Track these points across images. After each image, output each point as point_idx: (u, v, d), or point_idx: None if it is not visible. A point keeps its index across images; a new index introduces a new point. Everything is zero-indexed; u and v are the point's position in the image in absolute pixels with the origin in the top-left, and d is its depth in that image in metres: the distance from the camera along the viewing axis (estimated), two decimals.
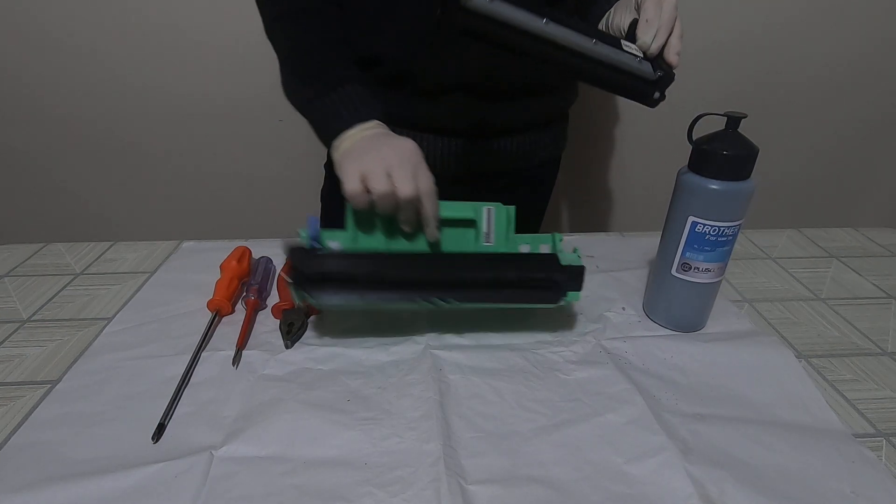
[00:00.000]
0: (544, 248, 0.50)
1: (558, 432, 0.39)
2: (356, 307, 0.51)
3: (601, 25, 0.57)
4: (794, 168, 1.24)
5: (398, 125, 0.66)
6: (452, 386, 0.44)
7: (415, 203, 0.45)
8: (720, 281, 0.49)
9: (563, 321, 0.52)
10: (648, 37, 0.49)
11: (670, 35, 0.49)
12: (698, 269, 0.47)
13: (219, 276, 0.54)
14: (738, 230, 0.46)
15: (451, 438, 0.39)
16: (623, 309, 0.54)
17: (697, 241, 0.46)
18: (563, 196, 1.24)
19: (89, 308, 0.54)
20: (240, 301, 0.54)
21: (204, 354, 0.47)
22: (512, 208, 0.50)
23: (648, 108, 0.52)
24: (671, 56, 0.50)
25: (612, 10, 0.55)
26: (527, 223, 0.74)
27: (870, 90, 1.16)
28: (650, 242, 0.63)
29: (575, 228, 1.21)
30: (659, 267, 0.50)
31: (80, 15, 0.98)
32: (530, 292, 0.47)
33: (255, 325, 0.50)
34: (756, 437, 0.39)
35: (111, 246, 0.65)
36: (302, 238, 0.46)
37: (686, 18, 1.02)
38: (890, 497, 0.35)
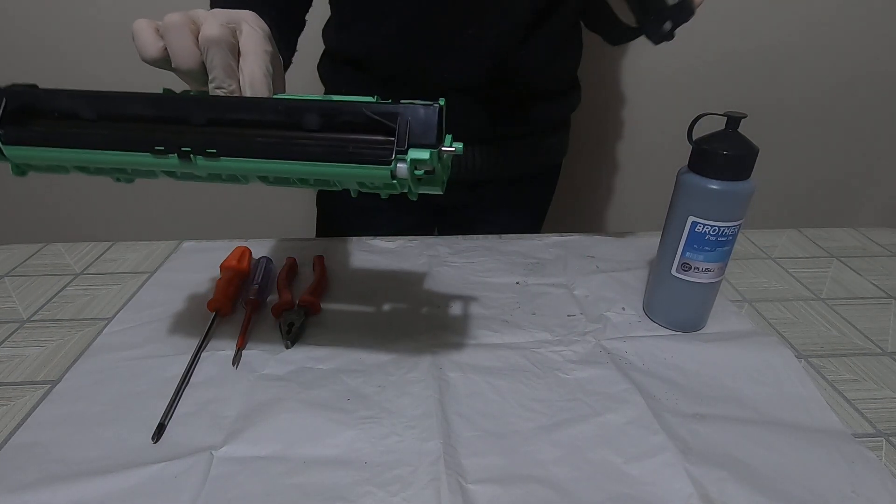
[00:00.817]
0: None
1: (558, 432, 0.39)
2: (67, 161, 0.33)
3: None
4: (794, 168, 1.24)
5: None
6: (452, 384, 0.44)
7: (228, 57, 0.34)
8: (720, 281, 0.49)
9: (564, 321, 0.52)
10: None
11: None
12: (698, 269, 0.47)
13: (219, 276, 0.54)
14: (738, 230, 0.46)
15: (451, 437, 0.39)
16: (623, 309, 0.54)
17: (697, 241, 0.46)
18: (563, 196, 1.24)
19: (89, 308, 0.54)
20: (240, 301, 0.54)
21: (204, 354, 0.47)
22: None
23: (651, 43, 0.46)
24: None
25: None
26: (526, 227, 0.74)
27: (870, 90, 1.16)
28: (650, 242, 0.63)
29: (575, 228, 1.21)
30: (659, 267, 0.50)
31: (80, 14, 0.98)
32: (336, 147, 0.30)
33: (255, 325, 0.50)
34: (756, 437, 0.39)
35: (111, 246, 0.65)
36: None
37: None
38: (890, 497, 0.35)
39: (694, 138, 0.45)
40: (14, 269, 0.61)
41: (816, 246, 0.68)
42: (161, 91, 0.35)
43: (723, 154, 0.43)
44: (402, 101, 0.31)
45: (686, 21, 0.44)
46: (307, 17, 0.60)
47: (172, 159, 0.31)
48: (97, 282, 0.58)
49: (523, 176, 0.72)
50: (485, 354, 0.47)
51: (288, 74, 0.59)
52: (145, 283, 0.58)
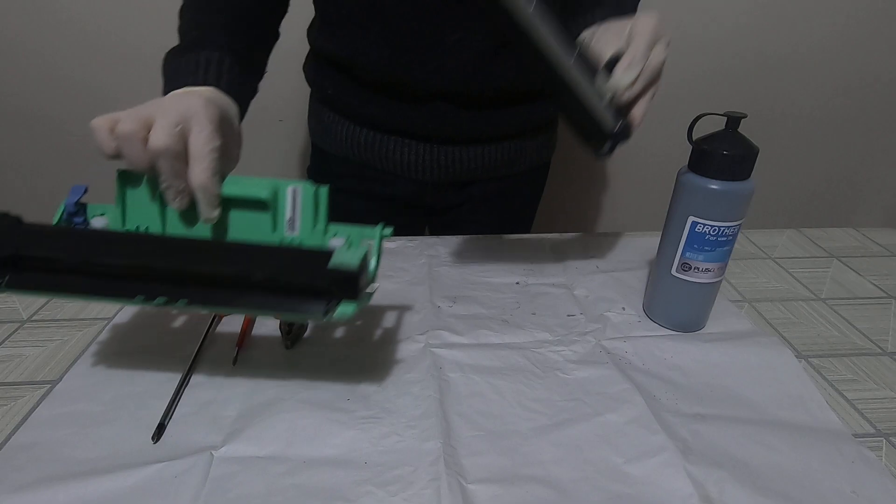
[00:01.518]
0: (365, 243, 0.40)
1: (558, 432, 0.39)
2: (59, 297, 0.42)
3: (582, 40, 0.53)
4: (794, 168, 1.25)
5: (384, 131, 0.66)
6: (452, 384, 0.44)
7: (176, 163, 0.36)
8: (720, 281, 0.49)
9: (564, 321, 0.52)
10: (626, 79, 0.42)
11: (646, 88, 0.44)
12: (698, 269, 0.47)
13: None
14: (738, 230, 0.46)
15: (451, 437, 0.39)
16: (623, 309, 0.54)
17: (697, 241, 0.46)
18: (562, 196, 1.24)
19: (89, 308, 0.54)
20: None
21: (204, 354, 0.47)
22: (324, 190, 0.40)
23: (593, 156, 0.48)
24: (638, 113, 0.45)
25: (599, 29, 0.48)
26: (515, 229, 0.74)
27: (870, 91, 1.16)
28: (650, 242, 0.63)
29: (575, 228, 1.21)
30: (659, 267, 0.50)
31: (80, 14, 0.98)
32: (285, 300, 0.35)
33: (255, 325, 0.50)
34: (756, 437, 0.39)
35: None
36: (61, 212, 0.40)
37: (686, 18, 1.03)
38: (890, 497, 0.35)
39: (694, 138, 0.45)
40: None
41: (816, 246, 0.68)
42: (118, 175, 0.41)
43: (723, 154, 0.43)
44: (329, 267, 0.35)
45: (626, 141, 0.46)
46: (294, 23, 0.60)
47: (149, 303, 0.36)
48: None
49: (511, 175, 0.72)
50: (485, 354, 0.47)
51: (274, 74, 0.59)
52: None
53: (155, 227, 0.41)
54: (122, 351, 0.47)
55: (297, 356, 0.47)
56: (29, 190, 1.19)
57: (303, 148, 1.13)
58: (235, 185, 0.39)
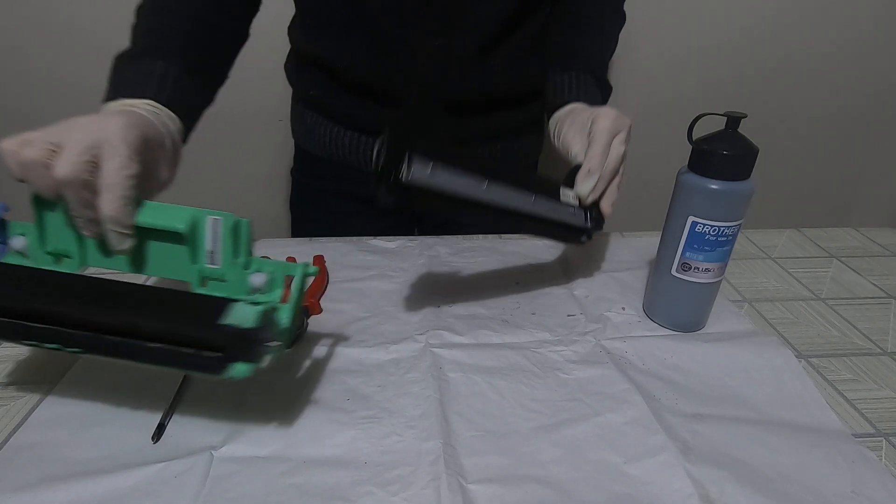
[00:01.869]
0: (287, 280, 0.39)
1: (558, 432, 0.39)
2: None
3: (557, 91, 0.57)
4: (794, 168, 1.25)
5: (368, 133, 0.66)
6: (452, 384, 0.44)
7: (84, 193, 0.35)
8: (720, 281, 0.49)
9: (564, 321, 0.52)
10: (586, 188, 0.48)
11: (609, 185, 0.49)
12: (698, 269, 0.47)
13: None
14: (738, 230, 0.46)
15: (451, 437, 0.39)
16: (623, 309, 0.54)
17: (697, 241, 0.46)
18: None
19: None
20: None
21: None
22: (245, 222, 0.38)
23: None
24: (606, 206, 0.49)
25: (566, 124, 0.53)
26: None
27: (870, 90, 1.16)
28: (650, 242, 0.63)
29: None
30: (659, 267, 0.50)
31: (80, 14, 0.98)
32: (180, 354, 0.34)
33: None
34: (756, 437, 0.39)
35: None
36: None
37: (686, 18, 1.03)
38: (890, 497, 0.35)
39: (694, 138, 0.45)
40: None
41: (816, 246, 0.68)
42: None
43: (723, 154, 0.43)
44: (222, 324, 0.33)
45: (601, 229, 0.51)
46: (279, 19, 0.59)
47: (42, 345, 0.35)
48: None
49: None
50: (485, 354, 0.47)
51: (272, 74, 0.59)
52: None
53: (73, 252, 0.40)
54: None
55: (297, 356, 0.47)
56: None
57: None
58: (152, 214, 0.37)
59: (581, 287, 0.57)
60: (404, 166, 0.40)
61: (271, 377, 0.44)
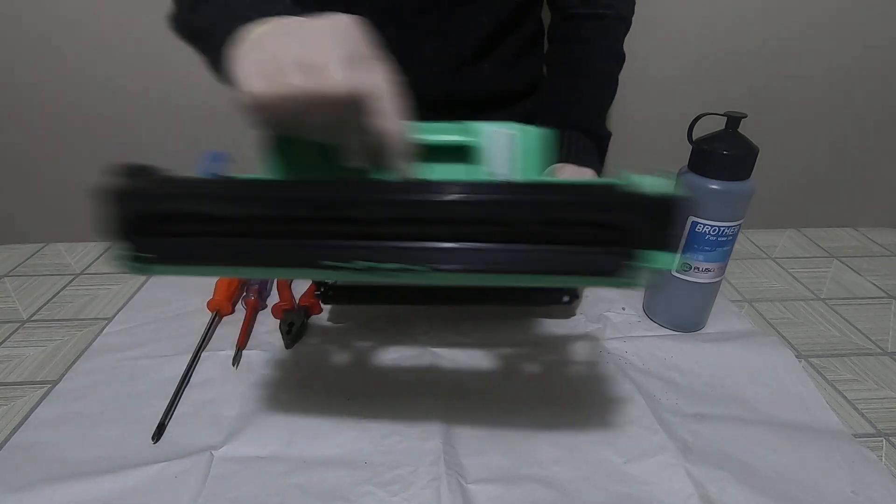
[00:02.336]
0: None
1: (558, 432, 0.39)
2: (224, 273, 0.30)
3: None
4: (794, 168, 1.24)
5: None
6: (453, 385, 0.44)
7: (357, 110, 0.26)
8: (720, 281, 0.49)
9: (564, 321, 0.52)
10: None
11: None
12: (698, 268, 0.47)
13: (219, 276, 0.54)
14: (738, 230, 0.46)
15: (451, 437, 0.39)
16: (623, 309, 0.54)
17: (697, 241, 0.46)
18: None
19: (89, 308, 0.54)
20: (240, 301, 0.53)
21: (204, 354, 0.47)
22: (544, 131, 0.31)
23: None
24: None
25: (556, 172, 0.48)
26: None
27: (870, 90, 1.16)
28: None
29: None
30: None
31: (79, 14, 0.98)
32: (569, 255, 0.24)
33: (255, 325, 0.50)
34: (756, 437, 0.39)
35: (111, 246, 0.65)
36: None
37: (686, 17, 1.02)
38: (890, 497, 0.35)
39: (694, 138, 0.45)
40: (14, 269, 0.61)
41: (816, 246, 0.68)
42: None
43: (723, 154, 0.43)
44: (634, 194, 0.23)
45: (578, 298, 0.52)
46: None
47: (362, 274, 0.25)
48: (97, 282, 0.58)
49: None
50: (485, 354, 0.47)
51: None
52: (145, 282, 0.57)
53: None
54: (122, 351, 0.47)
55: (297, 356, 0.47)
56: (24, 188, 1.19)
57: None
58: (427, 132, 0.29)
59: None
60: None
61: (272, 377, 0.44)
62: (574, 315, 0.52)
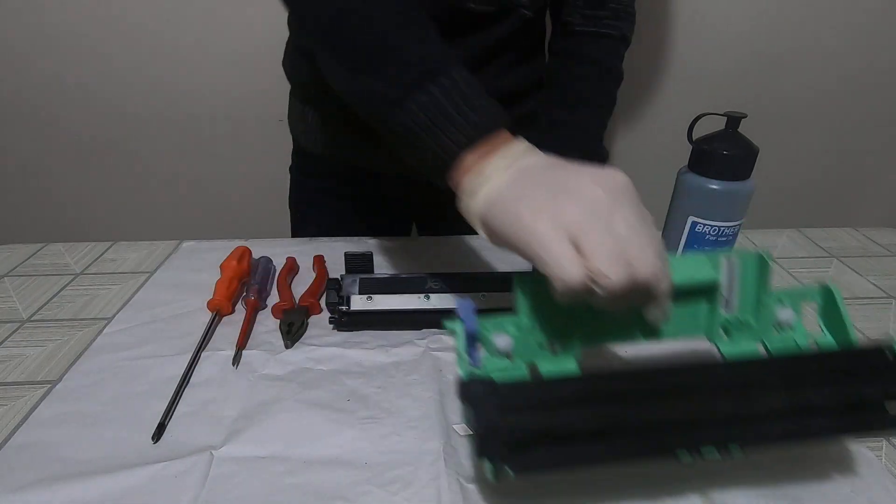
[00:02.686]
0: (807, 307, 0.35)
1: None
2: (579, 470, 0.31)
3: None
4: (794, 168, 1.24)
5: (366, 132, 0.65)
6: (453, 386, 0.44)
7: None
8: None
9: None
10: None
11: None
12: None
13: (219, 276, 0.54)
14: (738, 230, 0.46)
15: (452, 437, 0.39)
16: None
17: (697, 241, 0.46)
18: None
19: (89, 308, 0.54)
20: (240, 301, 0.54)
21: (204, 354, 0.47)
22: (768, 255, 0.33)
23: None
24: None
25: None
26: None
27: (870, 90, 1.16)
28: None
29: None
30: None
31: (79, 15, 0.98)
32: (848, 419, 0.29)
33: (255, 325, 0.50)
34: None
35: (111, 246, 0.65)
36: (448, 329, 0.33)
37: (686, 18, 1.02)
38: (889, 497, 0.35)
39: (694, 138, 0.45)
40: (14, 269, 0.61)
41: (816, 246, 0.68)
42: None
43: (723, 154, 0.43)
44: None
45: None
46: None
47: (684, 458, 0.28)
48: (97, 282, 0.58)
49: None
50: None
51: (272, 73, 0.58)
52: (145, 283, 0.57)
53: (572, 335, 0.33)
54: (122, 351, 0.47)
55: (297, 356, 0.47)
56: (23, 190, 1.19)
57: None
58: (674, 273, 0.30)
59: None
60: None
61: (272, 377, 0.44)
62: None
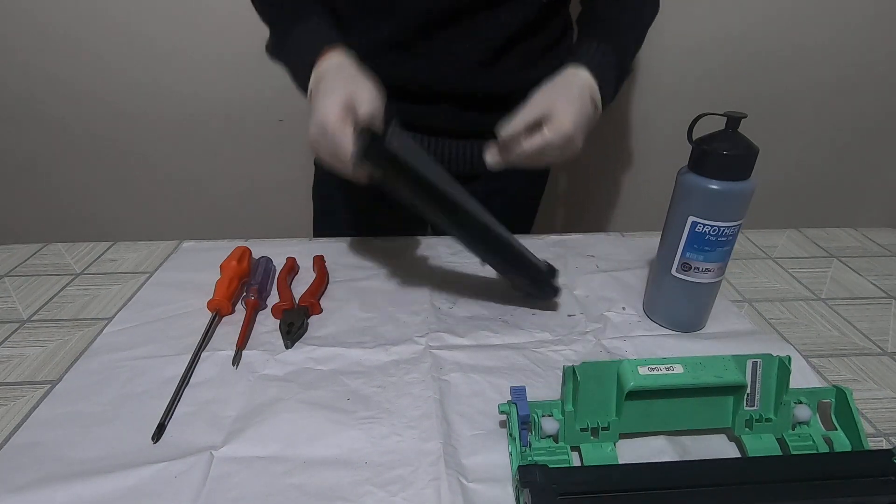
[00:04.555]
0: (824, 403, 0.39)
1: None
2: None
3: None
4: (794, 168, 1.24)
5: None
6: (453, 384, 0.44)
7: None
8: (720, 281, 0.49)
9: (564, 321, 0.52)
10: (504, 130, 0.49)
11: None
12: (698, 269, 0.47)
13: (219, 276, 0.54)
14: (738, 230, 0.46)
15: (452, 437, 0.39)
16: (623, 309, 0.54)
17: (697, 241, 0.46)
18: (562, 196, 1.24)
19: (89, 308, 0.54)
20: (240, 301, 0.54)
21: (204, 354, 0.47)
22: (788, 358, 0.37)
23: (543, 298, 0.55)
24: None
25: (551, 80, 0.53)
26: (516, 228, 0.74)
27: (870, 90, 1.16)
28: (650, 242, 0.63)
29: (575, 228, 1.21)
30: (659, 267, 0.50)
31: (80, 16, 0.98)
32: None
33: (255, 325, 0.50)
34: None
35: (111, 246, 0.65)
36: (502, 411, 0.38)
37: (686, 18, 1.03)
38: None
39: (694, 138, 0.45)
40: (14, 269, 0.61)
41: (816, 246, 0.68)
42: None
43: (723, 154, 0.43)
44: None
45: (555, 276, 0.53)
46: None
47: None
48: (97, 282, 0.58)
49: (514, 172, 0.72)
50: (485, 354, 0.47)
51: (274, 73, 0.59)
52: (145, 283, 0.58)
53: (610, 423, 0.37)
54: (122, 351, 0.47)
55: (297, 356, 0.47)
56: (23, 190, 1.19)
57: (303, 147, 1.13)
58: (700, 373, 0.36)
59: (581, 287, 0.57)
60: (389, 130, 0.44)
61: (272, 377, 0.44)
62: (575, 315, 0.53)
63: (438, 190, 0.44)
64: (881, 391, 0.45)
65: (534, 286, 0.53)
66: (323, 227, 0.78)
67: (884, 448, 0.35)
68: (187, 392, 0.43)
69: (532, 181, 0.77)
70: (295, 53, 0.52)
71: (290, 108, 1.05)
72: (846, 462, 0.34)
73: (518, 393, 0.37)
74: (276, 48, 0.55)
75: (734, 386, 0.37)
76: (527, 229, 0.80)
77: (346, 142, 0.43)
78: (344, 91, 0.45)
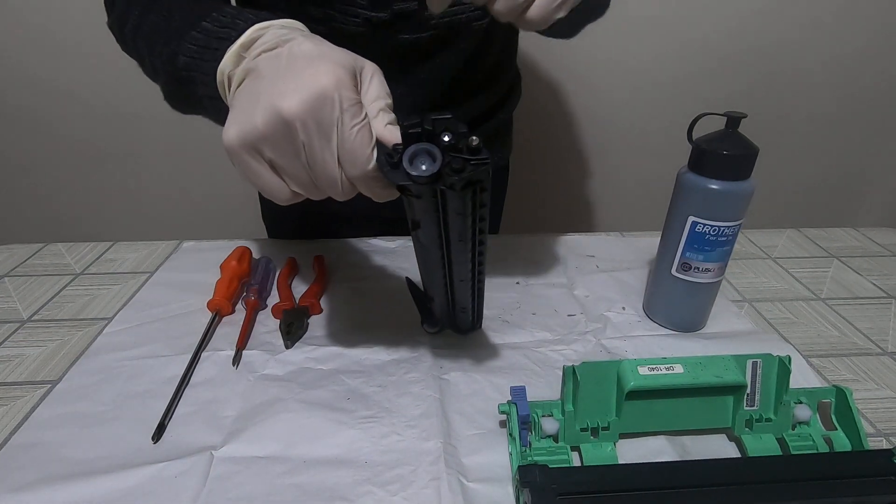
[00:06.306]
0: (824, 403, 0.39)
1: None
2: None
3: None
4: (794, 168, 1.25)
5: None
6: (453, 384, 0.44)
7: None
8: (720, 281, 0.49)
9: (564, 321, 0.52)
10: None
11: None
12: (698, 269, 0.47)
13: (219, 276, 0.54)
14: (738, 230, 0.46)
15: (452, 436, 0.39)
16: (623, 309, 0.54)
17: (697, 241, 0.46)
18: (562, 196, 1.25)
19: (89, 308, 0.54)
20: (240, 301, 0.54)
21: (204, 354, 0.47)
22: (788, 358, 0.37)
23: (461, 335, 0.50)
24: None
25: None
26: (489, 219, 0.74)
27: (870, 90, 1.16)
28: (650, 242, 0.63)
29: (575, 228, 1.21)
30: (659, 267, 0.50)
31: (79, 16, 0.98)
32: None
33: (255, 325, 0.50)
34: None
35: (111, 246, 0.65)
36: (502, 411, 0.38)
37: (686, 18, 1.03)
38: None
39: (694, 138, 0.45)
40: (14, 269, 0.61)
41: (816, 246, 0.68)
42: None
43: (723, 154, 0.43)
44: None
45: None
46: None
47: None
48: (97, 282, 0.58)
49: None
50: (485, 354, 0.47)
51: None
52: (145, 283, 0.58)
53: (610, 423, 0.38)
54: (122, 351, 0.47)
55: (297, 356, 0.47)
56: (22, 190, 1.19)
57: None
58: (702, 372, 0.37)
59: (581, 287, 0.57)
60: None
61: (272, 377, 0.44)
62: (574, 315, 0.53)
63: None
64: (881, 391, 0.45)
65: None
66: (275, 232, 0.76)
67: (884, 448, 0.36)
68: (187, 392, 0.43)
69: (492, 178, 0.77)
70: (214, 35, 0.35)
71: None
72: (846, 462, 0.35)
73: (518, 393, 0.37)
74: (173, 60, 0.38)
75: (734, 386, 0.37)
76: (492, 232, 0.80)
77: (363, 131, 0.29)
78: (342, 54, 0.31)
